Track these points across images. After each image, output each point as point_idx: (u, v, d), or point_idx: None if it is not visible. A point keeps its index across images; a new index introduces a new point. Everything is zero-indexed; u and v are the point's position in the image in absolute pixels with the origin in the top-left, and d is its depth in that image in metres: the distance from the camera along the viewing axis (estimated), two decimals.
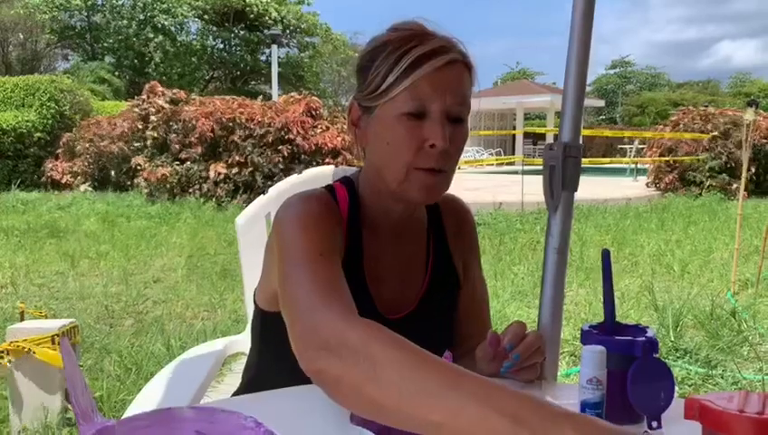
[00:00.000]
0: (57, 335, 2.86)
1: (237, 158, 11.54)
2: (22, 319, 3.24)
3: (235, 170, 11.54)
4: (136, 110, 13.13)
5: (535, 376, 1.05)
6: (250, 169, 11.46)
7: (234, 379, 1.41)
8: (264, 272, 1.21)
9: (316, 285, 0.91)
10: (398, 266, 1.18)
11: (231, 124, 11.65)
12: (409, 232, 1.20)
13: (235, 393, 1.34)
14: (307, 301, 0.89)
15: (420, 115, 1.02)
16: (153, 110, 12.71)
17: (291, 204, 1.07)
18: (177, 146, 12.18)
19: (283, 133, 11.39)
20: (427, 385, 0.71)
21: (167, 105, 12.60)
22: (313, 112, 11.85)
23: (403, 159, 1.03)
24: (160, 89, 13.21)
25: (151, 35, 34.21)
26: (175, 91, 13.32)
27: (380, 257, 1.16)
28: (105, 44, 35.46)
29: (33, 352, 2.80)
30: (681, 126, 14.78)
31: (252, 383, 1.30)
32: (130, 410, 1.43)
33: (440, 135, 1.01)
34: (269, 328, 1.21)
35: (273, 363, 1.22)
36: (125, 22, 34.28)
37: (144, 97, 13.16)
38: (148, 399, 1.46)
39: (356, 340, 0.79)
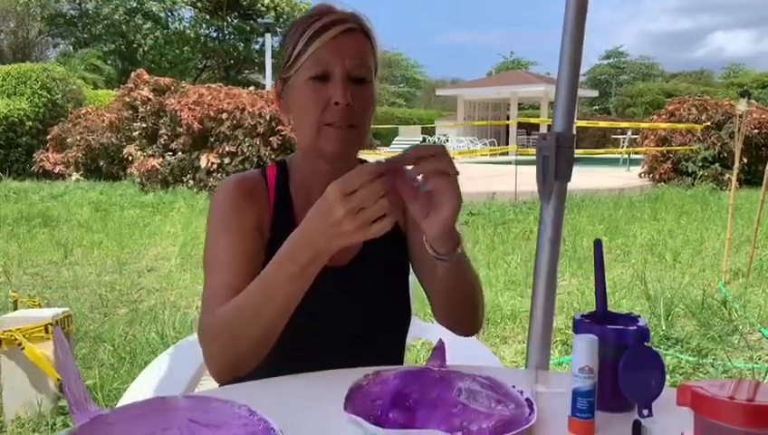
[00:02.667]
0: (50, 324, 2.86)
1: (228, 148, 11.51)
2: (15, 308, 3.23)
3: (226, 160, 11.51)
4: (126, 99, 13.05)
5: (451, 188, 0.98)
6: (240, 158, 11.44)
7: None
8: None
9: (209, 291, 1.16)
10: None
11: (218, 115, 11.58)
12: None
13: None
14: (204, 302, 1.16)
15: (324, 78, 1.16)
16: (141, 100, 12.64)
17: (219, 188, 1.26)
18: (164, 138, 12.13)
19: (273, 124, 11.35)
20: (236, 303, 1.05)
21: (152, 97, 12.52)
22: None
23: (312, 117, 1.17)
24: (146, 77, 13.13)
25: (141, 22, 33.97)
26: (161, 79, 13.21)
27: None
28: (95, 32, 35.20)
29: (23, 349, 2.80)
30: (676, 116, 14.79)
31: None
32: (125, 399, 1.43)
33: (341, 93, 1.14)
34: None
35: None
36: (114, 7, 34.00)
37: (131, 86, 13.08)
38: (142, 388, 1.47)
39: (207, 322, 1.11)
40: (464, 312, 1.24)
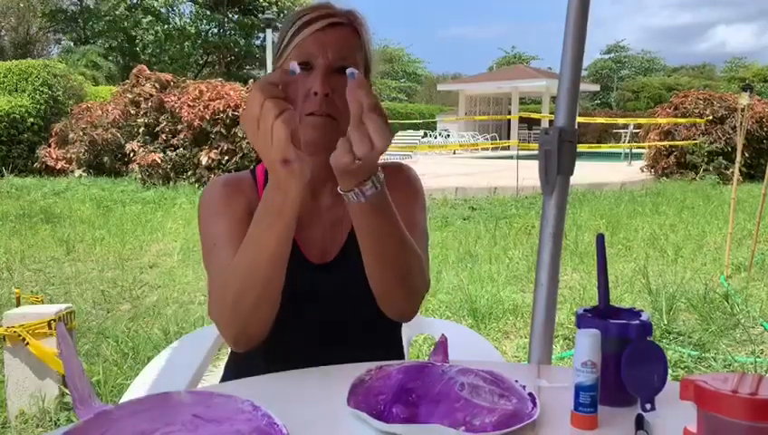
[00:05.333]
0: (54, 320, 2.86)
1: (227, 145, 11.51)
2: (18, 304, 3.24)
3: (226, 157, 11.51)
4: (128, 95, 13.04)
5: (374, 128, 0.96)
6: (240, 155, 11.43)
7: None
8: None
9: (210, 273, 1.18)
10: (321, 218, 1.30)
11: (213, 116, 11.57)
12: (330, 189, 1.28)
13: (223, 377, 1.35)
14: (210, 291, 1.17)
15: (306, 66, 1.17)
16: (143, 96, 12.63)
17: (206, 189, 1.29)
18: (165, 134, 12.13)
19: None
20: (238, 255, 1.05)
21: (154, 92, 12.51)
22: None
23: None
24: (148, 73, 13.11)
25: (141, 18, 33.93)
26: (162, 75, 13.20)
27: (303, 217, 1.26)
28: (97, 28, 35.15)
29: (27, 344, 2.80)
30: (680, 110, 14.75)
31: (233, 365, 1.36)
32: (128, 395, 1.44)
33: (319, 82, 1.16)
34: None
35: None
36: (115, 3, 33.93)
37: (133, 82, 13.07)
38: (145, 383, 1.47)
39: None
40: (387, 283, 1.14)
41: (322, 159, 1.18)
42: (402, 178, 1.35)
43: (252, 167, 1.36)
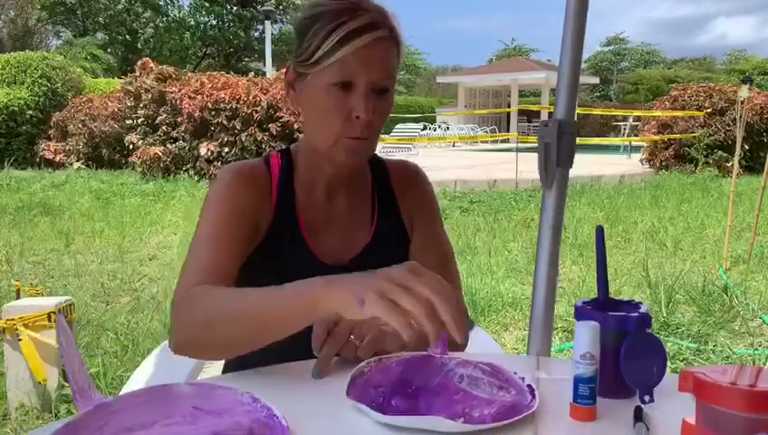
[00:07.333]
0: (53, 313, 2.87)
1: (226, 137, 11.49)
2: (18, 297, 3.24)
3: (226, 150, 11.50)
4: (129, 87, 13.02)
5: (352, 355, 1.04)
6: (239, 147, 11.42)
7: None
8: None
9: (191, 262, 1.12)
10: (338, 218, 1.27)
11: (216, 106, 11.55)
12: (349, 188, 1.28)
13: (224, 369, 1.34)
14: (184, 271, 1.12)
15: (347, 87, 1.10)
16: (144, 88, 12.61)
17: (219, 175, 1.23)
18: (166, 126, 12.11)
19: (271, 111, 11.31)
20: (228, 297, 1.01)
21: (155, 84, 12.48)
22: None
23: (332, 127, 1.13)
24: (152, 65, 13.09)
25: (141, 10, 33.81)
26: (164, 67, 13.18)
27: (316, 209, 1.25)
28: (96, 20, 35.04)
29: (20, 340, 2.80)
30: (678, 102, 14.73)
31: (235, 360, 1.34)
32: (128, 387, 1.44)
33: (364, 108, 1.10)
34: None
35: None
36: None
37: (137, 74, 13.05)
38: (145, 375, 1.47)
39: (189, 294, 1.05)
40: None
41: (345, 170, 1.21)
42: (419, 191, 1.34)
43: (266, 154, 1.31)
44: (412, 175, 1.36)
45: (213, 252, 1.12)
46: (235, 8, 36.76)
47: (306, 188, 1.25)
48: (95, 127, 14.06)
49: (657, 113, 14.85)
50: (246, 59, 37.88)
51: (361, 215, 1.29)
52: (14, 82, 15.90)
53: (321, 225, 1.25)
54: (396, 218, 1.31)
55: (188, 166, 11.87)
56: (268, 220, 1.21)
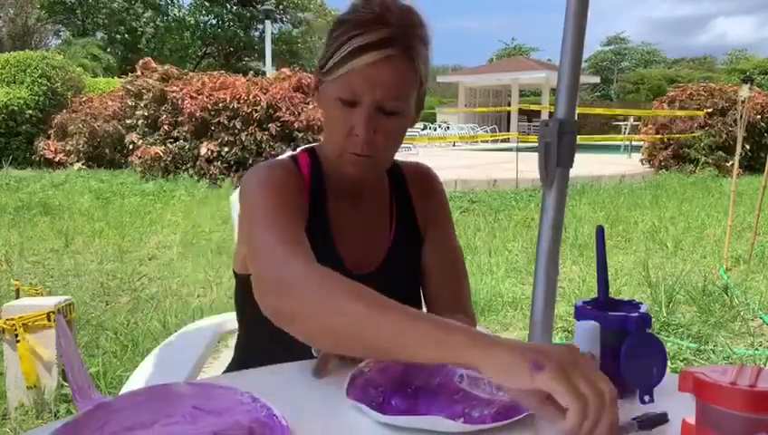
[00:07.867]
0: (53, 312, 2.86)
1: (226, 137, 11.49)
2: (17, 297, 3.24)
3: (226, 149, 11.50)
4: (129, 87, 13.01)
5: None
6: (239, 147, 11.42)
7: (230, 355, 1.42)
8: (238, 238, 1.27)
9: (279, 237, 0.99)
10: (362, 226, 1.26)
11: (217, 106, 11.54)
12: (369, 194, 1.28)
13: (227, 369, 1.35)
14: (270, 251, 0.97)
15: (352, 103, 1.09)
16: (145, 88, 12.60)
17: (255, 170, 1.17)
18: (167, 126, 12.11)
19: (271, 111, 11.31)
20: (360, 314, 0.82)
21: (156, 83, 12.47)
22: (304, 88, 11.77)
23: (336, 140, 1.13)
24: (154, 65, 13.08)
25: (141, 10, 33.81)
26: (168, 67, 13.18)
27: (344, 218, 1.24)
28: (96, 20, 35.04)
29: (18, 342, 2.80)
30: (677, 103, 14.72)
31: (241, 359, 1.34)
32: (127, 387, 1.44)
33: (363, 126, 1.08)
34: (247, 291, 1.19)
35: (254, 331, 1.28)
36: None
37: (138, 74, 13.04)
38: (144, 375, 1.47)
39: (314, 278, 0.89)
40: None
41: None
42: (433, 193, 1.36)
43: (293, 152, 1.30)
44: (426, 177, 1.37)
45: (284, 224, 1.03)
46: (235, 7, 36.77)
47: (334, 195, 1.24)
48: (96, 126, 14.05)
49: (658, 113, 14.85)
50: (246, 58, 37.88)
51: (381, 218, 1.30)
52: (14, 82, 15.88)
53: (347, 227, 1.24)
54: (412, 220, 1.33)
55: (188, 165, 11.86)
56: (305, 218, 1.16)
